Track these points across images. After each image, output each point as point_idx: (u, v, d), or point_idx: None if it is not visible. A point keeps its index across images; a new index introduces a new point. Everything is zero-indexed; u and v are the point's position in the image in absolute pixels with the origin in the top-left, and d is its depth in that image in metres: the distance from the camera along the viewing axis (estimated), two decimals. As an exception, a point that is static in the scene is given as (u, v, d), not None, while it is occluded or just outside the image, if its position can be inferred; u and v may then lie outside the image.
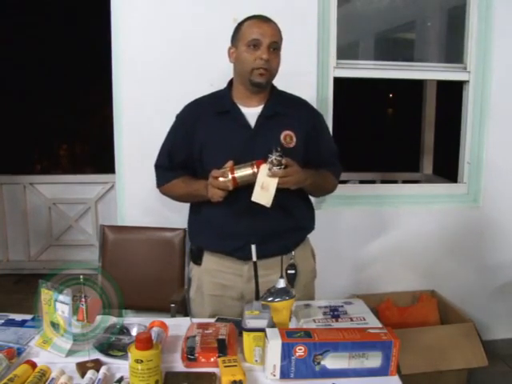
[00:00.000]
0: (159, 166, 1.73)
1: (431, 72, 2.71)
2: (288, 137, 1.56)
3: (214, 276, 1.66)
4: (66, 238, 4.08)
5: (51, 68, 8.13)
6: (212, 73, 2.35)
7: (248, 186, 1.45)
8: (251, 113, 1.60)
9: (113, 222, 2.55)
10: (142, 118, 2.37)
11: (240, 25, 1.60)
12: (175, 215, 2.40)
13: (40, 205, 3.99)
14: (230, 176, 1.43)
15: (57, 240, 4.06)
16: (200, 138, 1.61)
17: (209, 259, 1.68)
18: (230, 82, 1.68)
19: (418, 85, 3.80)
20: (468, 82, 2.64)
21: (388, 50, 3.02)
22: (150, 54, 2.34)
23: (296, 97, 1.72)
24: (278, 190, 1.42)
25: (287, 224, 1.63)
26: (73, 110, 8.80)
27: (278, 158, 1.40)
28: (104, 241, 2.31)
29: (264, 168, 1.41)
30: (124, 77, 2.33)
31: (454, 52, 2.74)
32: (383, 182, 3.56)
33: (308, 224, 1.75)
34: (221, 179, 1.45)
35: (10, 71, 7.61)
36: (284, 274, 1.64)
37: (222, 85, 2.31)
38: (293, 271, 1.65)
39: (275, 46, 1.54)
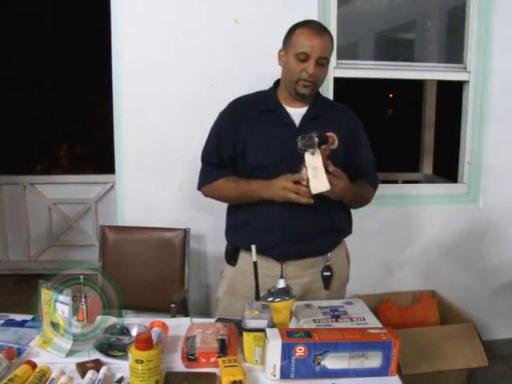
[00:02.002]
0: (208, 162, 1.71)
1: (431, 72, 2.71)
2: (331, 138, 1.54)
3: (247, 277, 1.64)
4: (66, 238, 4.08)
5: (51, 68, 8.13)
6: (212, 73, 2.36)
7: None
8: (296, 113, 1.62)
9: (113, 222, 2.55)
10: (141, 117, 2.37)
11: (293, 30, 1.58)
12: (175, 215, 2.40)
13: (40, 205, 3.99)
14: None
15: (57, 240, 4.06)
16: (243, 135, 1.61)
17: (244, 259, 1.68)
18: (277, 82, 1.69)
19: (417, 85, 3.80)
20: (468, 82, 2.63)
21: (388, 50, 3.01)
22: (149, 54, 2.34)
23: (338, 103, 1.75)
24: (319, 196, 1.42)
25: (325, 224, 1.64)
26: (73, 110, 8.79)
27: (315, 137, 1.38)
28: (104, 241, 2.31)
29: (307, 156, 1.40)
30: (124, 77, 2.33)
31: (453, 52, 2.73)
32: (383, 182, 3.54)
33: (345, 226, 1.75)
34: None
35: (10, 71, 7.60)
36: (320, 275, 1.66)
37: (222, 85, 2.33)
38: (328, 273, 1.67)
39: (323, 62, 1.54)
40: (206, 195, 1.76)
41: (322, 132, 1.42)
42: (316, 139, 1.39)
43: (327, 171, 1.42)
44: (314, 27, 1.55)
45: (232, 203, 1.73)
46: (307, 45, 1.51)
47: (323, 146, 1.41)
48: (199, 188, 1.76)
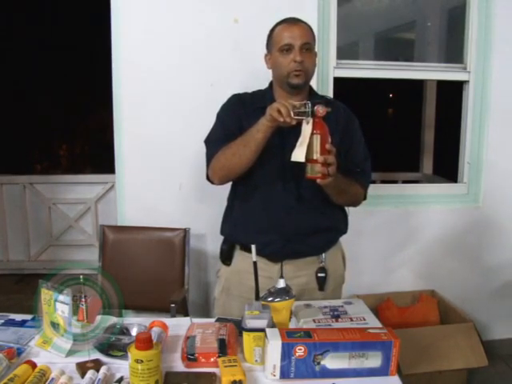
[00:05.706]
0: (213, 141, 1.63)
1: (431, 72, 2.71)
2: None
3: (243, 277, 1.64)
4: (66, 237, 4.08)
5: (51, 68, 8.13)
6: (212, 73, 2.36)
7: (283, 180, 1.55)
8: None
9: (113, 222, 2.55)
10: (141, 117, 2.37)
11: (271, 31, 1.63)
12: (175, 215, 2.40)
13: (40, 205, 4.00)
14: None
15: (57, 240, 4.06)
16: (242, 128, 1.58)
17: (239, 259, 1.69)
18: (271, 83, 1.70)
19: (418, 85, 3.80)
20: (468, 82, 2.63)
21: (388, 50, 3.02)
22: (149, 54, 2.34)
23: (333, 100, 1.74)
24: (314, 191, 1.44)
25: (320, 224, 1.64)
26: (73, 110, 8.80)
27: (309, 106, 1.37)
28: (104, 241, 2.32)
29: (303, 124, 1.39)
30: (124, 77, 2.33)
31: (454, 52, 2.73)
32: (383, 182, 3.56)
33: (340, 226, 1.73)
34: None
35: (10, 71, 7.60)
36: (314, 276, 1.66)
37: (223, 85, 2.32)
38: (323, 274, 1.66)
39: (307, 47, 1.57)
40: (216, 175, 1.62)
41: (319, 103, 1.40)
42: (309, 107, 1.38)
43: (324, 150, 1.39)
44: (289, 20, 1.61)
45: (240, 165, 1.56)
46: (288, 36, 1.56)
47: (318, 107, 1.37)
48: (208, 172, 1.65)
